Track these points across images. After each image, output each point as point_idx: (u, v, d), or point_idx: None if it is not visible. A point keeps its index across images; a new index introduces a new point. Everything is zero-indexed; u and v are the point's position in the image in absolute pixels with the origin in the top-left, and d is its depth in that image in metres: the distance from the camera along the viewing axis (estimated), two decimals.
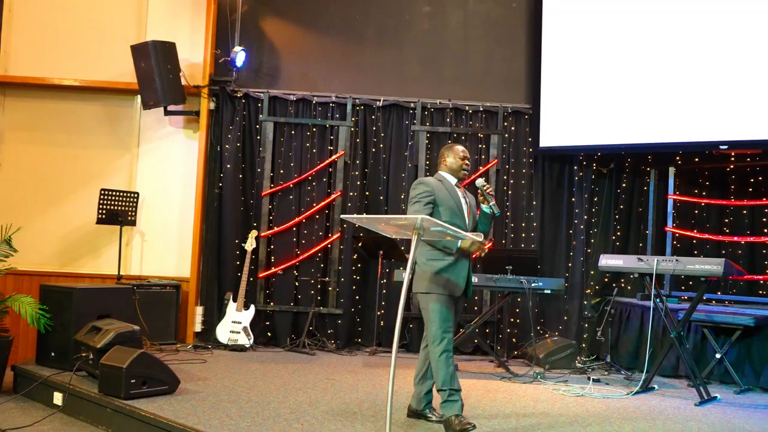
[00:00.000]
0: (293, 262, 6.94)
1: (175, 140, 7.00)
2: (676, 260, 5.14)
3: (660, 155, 6.85)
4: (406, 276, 3.51)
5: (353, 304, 6.96)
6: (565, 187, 7.09)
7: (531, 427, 4.06)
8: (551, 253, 7.03)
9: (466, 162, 4.20)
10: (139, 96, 6.70)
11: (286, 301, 6.93)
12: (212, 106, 6.97)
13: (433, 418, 4.02)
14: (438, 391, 3.88)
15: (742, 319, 5.51)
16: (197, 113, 6.89)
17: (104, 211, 6.47)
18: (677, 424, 4.29)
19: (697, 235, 6.69)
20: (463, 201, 4.08)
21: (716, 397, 5.09)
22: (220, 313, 6.63)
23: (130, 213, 6.65)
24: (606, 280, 6.92)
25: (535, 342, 6.26)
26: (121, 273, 6.55)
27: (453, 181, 4.15)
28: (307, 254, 6.94)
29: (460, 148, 4.24)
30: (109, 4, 6.98)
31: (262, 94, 7.03)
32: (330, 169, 7.06)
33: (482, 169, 6.99)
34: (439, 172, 4.22)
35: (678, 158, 6.81)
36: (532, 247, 6.91)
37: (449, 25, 7.23)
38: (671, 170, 6.74)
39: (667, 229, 6.72)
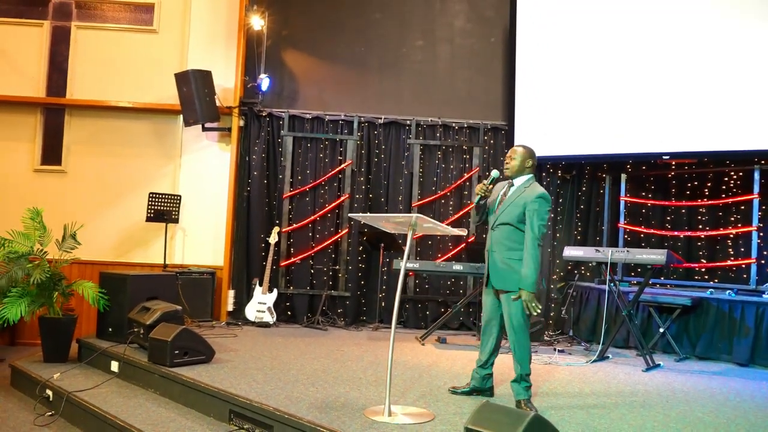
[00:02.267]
0: (309, 253, 6.94)
1: (211, 152, 6.99)
2: (627, 251, 5.15)
3: (614, 164, 6.84)
4: (402, 264, 3.51)
5: (359, 288, 6.96)
6: None
7: (507, 389, 4.04)
8: None
9: (506, 161, 3.79)
10: (181, 115, 6.69)
11: (303, 285, 6.93)
12: (242, 123, 6.96)
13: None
14: None
15: (681, 299, 5.52)
16: (229, 129, 6.89)
17: (152, 211, 6.47)
18: (627, 387, 4.29)
19: (644, 230, 6.69)
20: (500, 197, 3.75)
21: (660, 364, 5.10)
22: (249, 296, 6.63)
23: (173, 212, 6.65)
24: (569, 267, 6.92)
25: None
26: (166, 262, 6.56)
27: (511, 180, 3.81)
28: (320, 246, 6.93)
29: (509, 150, 3.85)
30: (157, 38, 6.98)
31: (283, 114, 7.03)
32: (340, 176, 7.05)
33: (466, 176, 7.00)
34: None
35: (628, 166, 6.80)
36: None
37: (439, 57, 7.22)
38: (623, 176, 6.73)
39: (620, 225, 6.71)
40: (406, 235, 3.61)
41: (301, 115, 7.07)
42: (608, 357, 5.35)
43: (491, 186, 3.79)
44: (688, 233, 6.48)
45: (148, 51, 6.96)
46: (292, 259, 6.94)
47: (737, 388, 4.41)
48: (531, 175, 3.76)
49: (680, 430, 3.31)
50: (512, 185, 3.77)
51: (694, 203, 6.48)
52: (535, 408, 3.51)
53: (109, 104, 6.86)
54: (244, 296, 6.79)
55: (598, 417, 3.49)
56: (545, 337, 6.13)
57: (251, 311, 6.44)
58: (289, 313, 6.89)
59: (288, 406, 3.42)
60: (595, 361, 5.15)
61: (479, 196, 3.75)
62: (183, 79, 6.46)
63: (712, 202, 6.35)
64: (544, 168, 7.03)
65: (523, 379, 3.62)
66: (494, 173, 3.78)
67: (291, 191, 6.99)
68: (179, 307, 4.98)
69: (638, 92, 6.30)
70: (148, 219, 6.45)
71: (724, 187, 6.33)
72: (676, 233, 6.53)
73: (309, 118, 7.06)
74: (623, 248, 5.69)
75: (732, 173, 6.28)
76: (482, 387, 3.88)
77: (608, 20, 6.49)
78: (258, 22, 6.92)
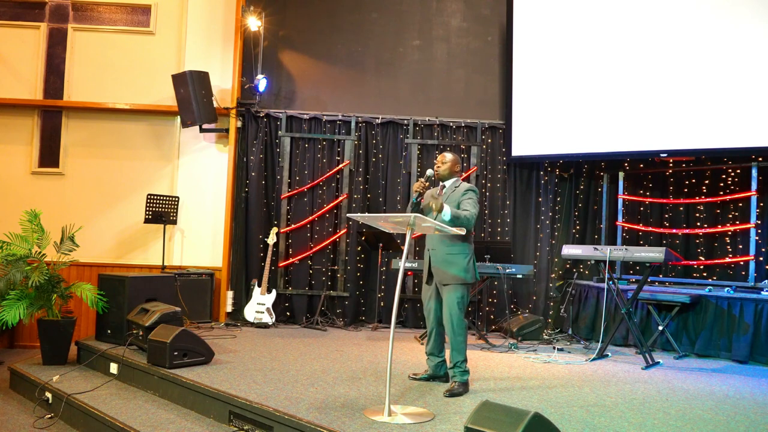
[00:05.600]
0: (308, 253, 6.93)
1: (208, 153, 6.98)
2: (626, 249, 5.15)
3: (611, 162, 6.85)
4: (402, 264, 3.51)
5: (358, 287, 6.95)
6: (533, 189, 7.08)
7: (507, 388, 4.06)
8: (522, 244, 7.03)
9: (437, 164, 4.19)
10: (178, 117, 6.69)
11: (302, 285, 6.93)
12: (239, 124, 6.96)
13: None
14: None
15: (680, 297, 5.53)
16: (227, 130, 6.88)
17: (150, 213, 6.46)
18: (627, 385, 4.29)
19: (643, 228, 6.69)
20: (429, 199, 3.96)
21: (659, 362, 5.10)
22: (247, 297, 6.62)
23: (172, 214, 6.64)
24: (567, 266, 6.92)
25: (510, 318, 6.27)
26: (164, 263, 6.55)
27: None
28: (319, 247, 6.93)
29: (439, 155, 4.25)
30: (154, 40, 6.97)
31: (280, 114, 7.02)
32: (338, 176, 7.05)
33: (464, 175, 6.99)
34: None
35: (626, 164, 6.81)
36: (506, 239, 6.91)
37: (435, 56, 7.22)
38: (620, 174, 6.73)
39: (618, 223, 6.72)
40: (404, 235, 3.61)
41: (298, 116, 7.06)
42: (607, 355, 5.35)
43: (427, 184, 3.99)
44: (687, 231, 6.48)
45: (145, 52, 6.95)
46: (291, 260, 6.93)
47: (736, 385, 4.42)
48: (457, 178, 4.16)
49: (680, 428, 3.30)
50: (444, 187, 4.13)
51: (692, 201, 6.48)
52: (466, 387, 3.88)
53: (107, 106, 6.85)
54: (242, 297, 6.78)
55: (598, 415, 3.49)
56: (545, 336, 6.13)
57: (250, 312, 6.44)
58: (288, 313, 6.89)
59: (288, 406, 3.41)
60: (594, 359, 5.16)
61: (417, 193, 3.94)
62: (180, 80, 6.45)
63: (710, 199, 6.35)
64: (541, 167, 7.04)
65: (458, 366, 3.90)
66: (429, 172, 4.02)
67: (289, 192, 6.98)
68: (178, 309, 4.98)
69: (635, 90, 6.30)
70: (147, 220, 6.44)
71: (721, 184, 6.33)
72: (674, 231, 6.54)
73: (306, 118, 7.06)
74: (622, 246, 5.69)
75: (730, 171, 6.28)
76: (437, 374, 4.15)
77: (605, 18, 6.49)
78: (255, 23, 6.91)
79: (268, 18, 7.06)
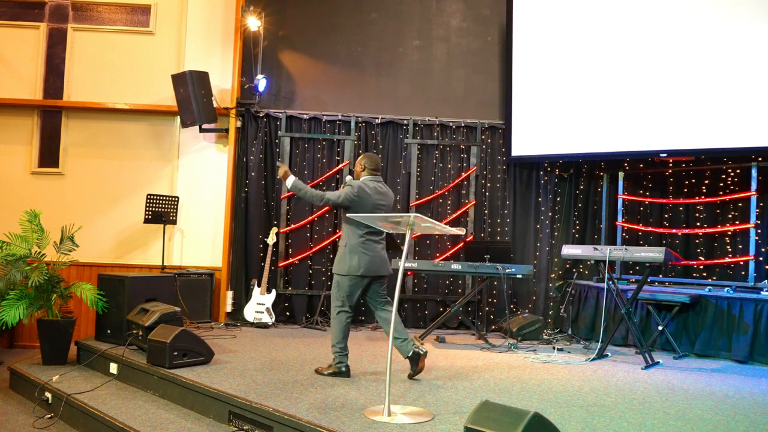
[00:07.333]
0: (307, 253, 6.93)
1: (208, 153, 6.98)
2: (625, 249, 5.14)
3: (611, 162, 6.85)
4: (401, 264, 3.51)
5: None
6: (533, 189, 7.09)
7: (506, 388, 4.06)
8: (522, 244, 7.03)
9: None
10: (178, 117, 6.69)
11: (301, 285, 6.92)
12: (239, 124, 6.96)
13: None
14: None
15: (680, 297, 5.52)
16: (227, 130, 6.88)
17: (150, 213, 6.46)
18: (627, 385, 4.29)
19: (642, 228, 6.69)
20: None
21: (659, 362, 5.10)
22: (247, 297, 6.62)
23: (171, 214, 6.64)
24: (567, 266, 6.92)
25: (509, 318, 6.26)
26: (164, 263, 6.55)
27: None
28: (319, 247, 6.93)
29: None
30: (154, 40, 6.97)
31: (280, 114, 7.02)
32: (337, 176, 7.04)
33: (464, 175, 6.99)
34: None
35: (626, 164, 6.81)
36: (506, 239, 6.91)
37: (435, 56, 7.22)
38: (620, 174, 6.73)
39: (618, 223, 6.72)
40: (404, 235, 3.61)
41: (298, 116, 7.06)
42: (607, 355, 5.35)
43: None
44: (686, 231, 6.48)
45: (145, 52, 6.95)
46: (291, 260, 6.93)
47: (736, 385, 4.41)
48: (369, 176, 4.37)
49: (680, 428, 3.30)
50: None
51: (692, 201, 6.49)
52: (333, 370, 4.20)
53: (107, 106, 6.84)
54: (242, 297, 6.78)
55: (598, 415, 3.49)
56: (544, 336, 6.13)
57: (250, 312, 6.43)
58: (287, 313, 6.89)
59: (287, 406, 3.41)
60: (594, 359, 5.15)
61: None
62: (180, 80, 6.45)
63: (710, 199, 6.35)
64: (541, 167, 7.04)
65: (332, 347, 4.23)
66: (348, 178, 4.46)
67: (289, 192, 6.97)
68: (178, 309, 4.97)
69: (635, 90, 6.31)
70: (146, 221, 6.44)
71: (721, 184, 6.33)
72: (674, 231, 6.54)
73: (306, 118, 7.06)
74: (621, 246, 5.69)
75: (729, 171, 6.28)
76: (405, 355, 4.20)
77: (605, 18, 6.49)
78: (254, 23, 6.91)
79: (267, 18, 7.06)
